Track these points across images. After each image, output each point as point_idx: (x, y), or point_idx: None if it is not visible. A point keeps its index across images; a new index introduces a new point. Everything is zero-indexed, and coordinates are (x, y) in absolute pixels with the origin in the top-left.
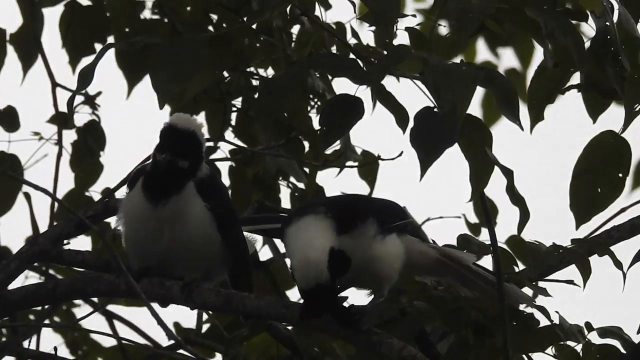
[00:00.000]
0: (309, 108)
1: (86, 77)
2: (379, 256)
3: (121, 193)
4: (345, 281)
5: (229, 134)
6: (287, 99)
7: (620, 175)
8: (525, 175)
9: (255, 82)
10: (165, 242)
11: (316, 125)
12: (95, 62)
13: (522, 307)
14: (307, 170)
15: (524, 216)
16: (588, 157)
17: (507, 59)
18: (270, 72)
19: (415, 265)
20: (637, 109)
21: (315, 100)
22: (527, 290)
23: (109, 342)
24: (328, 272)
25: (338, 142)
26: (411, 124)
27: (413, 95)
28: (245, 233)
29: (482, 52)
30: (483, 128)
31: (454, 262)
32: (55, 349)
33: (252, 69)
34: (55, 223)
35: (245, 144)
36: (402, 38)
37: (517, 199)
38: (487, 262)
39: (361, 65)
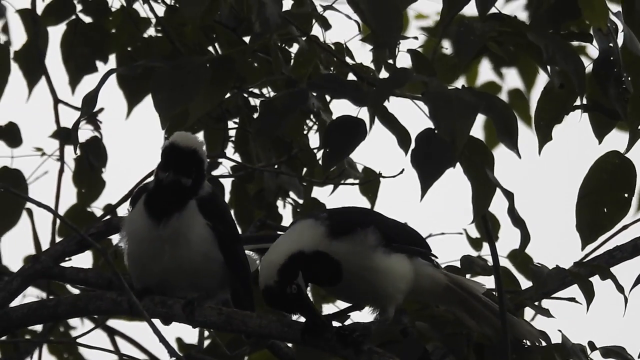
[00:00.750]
0: (305, 127)
1: (90, 102)
2: (380, 269)
3: (123, 210)
4: (345, 290)
5: (230, 151)
6: (286, 121)
7: (626, 195)
8: (531, 194)
9: (252, 101)
10: (166, 261)
11: (312, 144)
12: (99, 88)
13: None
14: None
15: (525, 239)
16: (593, 177)
17: (511, 79)
18: (266, 91)
19: (424, 290)
20: None
21: (312, 119)
22: (529, 312)
23: (108, 358)
24: (276, 274)
25: None
26: (412, 144)
27: (414, 112)
28: (246, 251)
29: (486, 72)
30: (485, 150)
31: (463, 291)
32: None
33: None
34: (57, 239)
35: (246, 161)
36: (404, 58)
37: (517, 221)
38: (490, 281)
39: (361, 87)
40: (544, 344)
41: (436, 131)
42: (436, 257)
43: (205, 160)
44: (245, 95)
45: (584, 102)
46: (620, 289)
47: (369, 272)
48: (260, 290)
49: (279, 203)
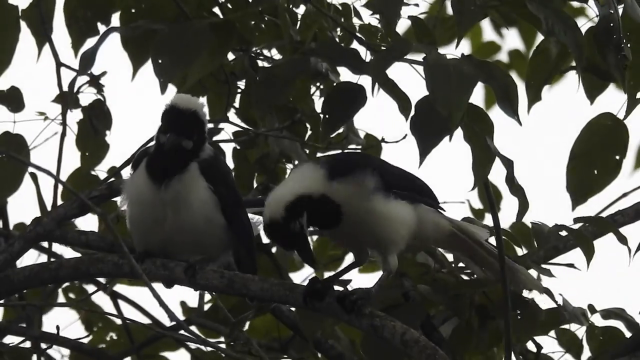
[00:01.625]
0: (312, 91)
1: (88, 60)
2: (379, 213)
3: (126, 173)
4: (345, 235)
5: (233, 116)
6: (287, 88)
7: (617, 157)
8: (522, 156)
9: (260, 63)
10: (168, 224)
11: (319, 108)
12: (97, 46)
13: (527, 292)
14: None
15: (523, 206)
16: (585, 139)
17: (511, 39)
18: (274, 53)
19: (428, 236)
20: (639, 96)
21: (319, 83)
22: (533, 273)
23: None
24: (283, 210)
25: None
26: (412, 111)
27: (415, 76)
28: (249, 215)
29: (487, 32)
30: (485, 118)
31: (467, 237)
32: (58, 328)
33: (257, 50)
34: (59, 203)
35: (249, 126)
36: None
37: (516, 189)
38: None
39: (361, 55)
40: (544, 294)
41: (434, 105)
42: (443, 210)
43: (206, 123)
44: (253, 57)
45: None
46: (622, 239)
47: (368, 215)
48: (264, 224)
49: (281, 169)
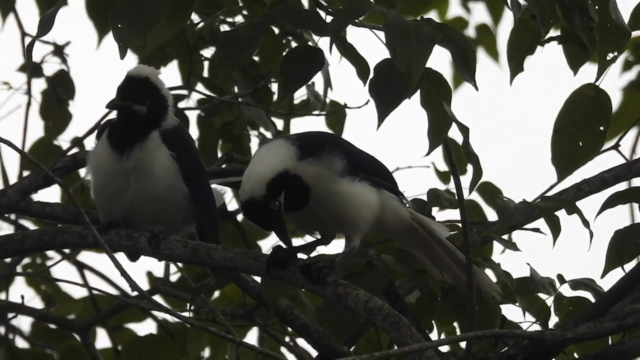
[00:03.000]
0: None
1: (47, 23)
2: (344, 194)
3: (90, 144)
4: (311, 218)
5: (199, 85)
6: (247, 52)
7: (602, 128)
8: (506, 128)
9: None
10: (131, 194)
11: None
12: (57, 9)
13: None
14: (275, 120)
15: (477, 173)
16: (569, 110)
17: (478, 14)
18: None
19: (388, 224)
20: (609, 58)
21: (291, 41)
22: (498, 246)
23: (79, 293)
24: (265, 188)
25: (305, 91)
26: (372, 75)
27: (376, 45)
28: (213, 185)
29: (454, 7)
30: (444, 83)
31: (426, 232)
32: (22, 297)
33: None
34: (24, 174)
35: (216, 93)
36: None
37: (471, 156)
38: (456, 214)
39: (322, 16)
40: (500, 297)
41: (393, 62)
42: (401, 193)
43: (162, 90)
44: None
45: (557, 33)
46: (585, 223)
47: (334, 196)
48: (242, 200)
49: (245, 136)
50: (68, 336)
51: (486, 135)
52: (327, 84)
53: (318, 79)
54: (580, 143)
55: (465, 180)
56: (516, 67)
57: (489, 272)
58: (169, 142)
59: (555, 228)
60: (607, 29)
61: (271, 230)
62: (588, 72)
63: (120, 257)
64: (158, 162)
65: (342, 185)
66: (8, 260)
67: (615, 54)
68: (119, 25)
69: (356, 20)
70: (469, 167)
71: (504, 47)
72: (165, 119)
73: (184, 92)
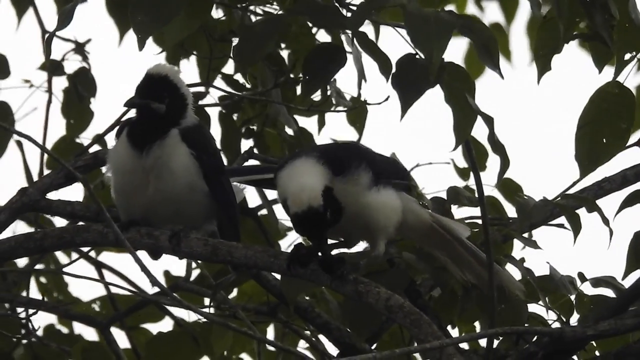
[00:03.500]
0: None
1: (66, 16)
2: (374, 205)
3: (110, 141)
4: (339, 230)
5: (220, 81)
6: (264, 47)
7: (625, 125)
8: (531, 125)
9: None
10: (151, 192)
11: None
12: (76, 3)
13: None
14: (297, 116)
15: (504, 164)
16: (593, 107)
17: (492, 12)
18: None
19: (409, 226)
20: (627, 58)
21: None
22: (518, 244)
23: (96, 292)
24: (322, 198)
25: (328, 88)
26: (394, 69)
27: (399, 44)
28: (233, 182)
29: (468, 5)
30: (465, 77)
31: (446, 232)
32: (44, 294)
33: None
34: (45, 172)
35: (237, 90)
36: None
37: (497, 146)
38: (476, 212)
39: (341, 12)
40: (524, 295)
41: (413, 48)
42: (418, 188)
43: (181, 88)
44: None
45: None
46: (605, 221)
47: (363, 209)
48: (298, 211)
49: (268, 133)
50: (78, 339)
51: (508, 133)
52: (361, 75)
53: (348, 75)
54: (604, 140)
55: (485, 176)
56: (543, 66)
57: (511, 270)
58: (188, 140)
59: (576, 225)
60: (626, 28)
61: (321, 241)
62: (607, 71)
63: (141, 255)
64: (177, 160)
65: (371, 197)
66: (22, 264)
67: (634, 53)
68: (139, 18)
69: (377, 20)
70: (489, 164)
71: (516, 46)
72: (185, 117)
73: (204, 89)
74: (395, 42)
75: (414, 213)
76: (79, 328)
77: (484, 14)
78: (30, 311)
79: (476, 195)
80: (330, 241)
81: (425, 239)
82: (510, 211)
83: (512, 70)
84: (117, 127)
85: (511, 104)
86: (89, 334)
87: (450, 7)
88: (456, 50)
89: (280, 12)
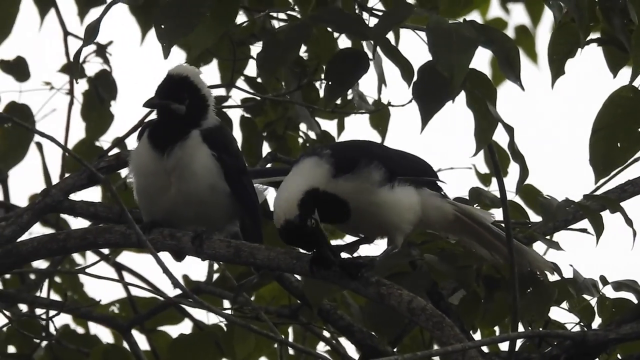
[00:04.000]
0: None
1: (92, 32)
2: (386, 203)
3: (131, 143)
4: (355, 226)
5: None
6: (289, 55)
7: None
8: (544, 129)
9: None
10: (173, 193)
11: None
12: (101, 17)
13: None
14: (319, 119)
15: (524, 173)
16: (607, 112)
17: (518, 15)
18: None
19: (433, 221)
20: None
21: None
22: (540, 245)
23: (112, 295)
24: (298, 209)
25: (350, 92)
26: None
27: (420, 44)
28: (256, 184)
29: (494, 8)
30: (487, 84)
31: (472, 221)
32: (66, 295)
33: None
34: (66, 174)
35: (260, 92)
36: None
37: (517, 155)
38: (499, 214)
39: (365, 21)
40: (555, 274)
41: (436, 66)
42: (444, 182)
43: (202, 90)
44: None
45: (597, 35)
46: (628, 222)
47: (376, 207)
48: (278, 227)
49: (290, 136)
50: (95, 340)
51: (527, 137)
52: (381, 80)
53: (369, 79)
54: (619, 144)
55: (506, 182)
56: (557, 70)
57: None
58: (209, 141)
59: (598, 226)
60: None
61: (313, 250)
62: (624, 74)
63: (164, 256)
64: (199, 161)
65: (382, 195)
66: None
67: None
68: (162, 27)
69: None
70: (510, 169)
71: (542, 49)
72: (206, 118)
73: (225, 91)
74: (416, 43)
75: (436, 208)
76: (95, 329)
77: (509, 16)
78: (52, 313)
79: (499, 197)
80: (351, 238)
81: (450, 230)
82: (532, 217)
83: (539, 72)
84: (139, 129)
85: (537, 104)
86: (105, 335)
87: (474, 11)
88: (482, 53)
89: (303, 18)
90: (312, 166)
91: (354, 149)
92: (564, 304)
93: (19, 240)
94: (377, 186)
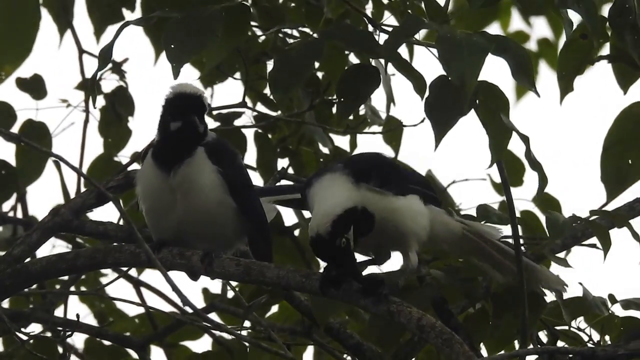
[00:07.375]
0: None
1: (105, 56)
2: (401, 207)
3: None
4: (369, 241)
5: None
6: (302, 73)
7: None
8: (557, 147)
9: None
10: (180, 211)
11: None
12: (113, 41)
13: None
14: (332, 135)
15: (542, 181)
16: (618, 129)
17: (540, 27)
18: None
19: (440, 237)
20: None
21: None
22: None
23: (135, 310)
24: (330, 225)
25: (363, 107)
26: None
27: (433, 62)
28: (266, 200)
29: (515, 21)
30: (499, 95)
31: (479, 238)
32: (78, 315)
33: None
34: (82, 190)
35: (273, 109)
36: None
37: (534, 164)
38: (507, 230)
39: (375, 37)
40: (567, 291)
41: (446, 75)
42: (438, 199)
43: (207, 108)
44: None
45: (606, 50)
46: (636, 236)
47: (392, 213)
48: (309, 237)
49: (304, 152)
50: (122, 354)
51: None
52: (390, 98)
53: (380, 93)
54: (630, 161)
55: (523, 191)
56: (566, 86)
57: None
58: (214, 157)
59: (606, 242)
60: None
61: (339, 266)
62: (636, 91)
63: (177, 275)
64: (205, 177)
65: (398, 202)
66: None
67: None
68: (172, 47)
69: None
70: (526, 178)
71: None
72: (207, 134)
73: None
74: (429, 61)
75: (444, 224)
76: None
77: (532, 29)
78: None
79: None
80: (358, 259)
81: (458, 248)
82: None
83: None
84: (142, 152)
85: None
86: None
87: (495, 24)
88: (501, 66)
89: (314, 36)
90: (339, 182)
91: (370, 160)
92: (573, 322)
93: (27, 260)
94: (392, 194)
